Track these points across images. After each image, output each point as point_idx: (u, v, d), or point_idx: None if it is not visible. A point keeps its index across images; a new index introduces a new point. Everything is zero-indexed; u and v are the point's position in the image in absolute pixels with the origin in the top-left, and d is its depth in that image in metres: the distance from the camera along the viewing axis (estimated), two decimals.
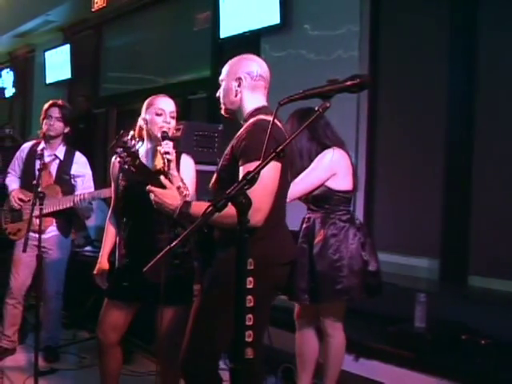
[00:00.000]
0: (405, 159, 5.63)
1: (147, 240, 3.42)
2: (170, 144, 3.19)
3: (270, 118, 2.84)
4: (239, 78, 2.94)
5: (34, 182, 4.32)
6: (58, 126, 4.86)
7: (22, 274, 4.85)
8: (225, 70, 3.04)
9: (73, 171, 4.89)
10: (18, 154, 5.03)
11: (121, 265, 3.55)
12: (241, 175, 2.65)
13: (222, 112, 3.08)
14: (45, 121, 4.87)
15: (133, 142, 3.33)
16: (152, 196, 2.84)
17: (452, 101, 5.27)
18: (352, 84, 2.05)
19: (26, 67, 13.12)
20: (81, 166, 4.95)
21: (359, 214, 5.73)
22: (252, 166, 2.60)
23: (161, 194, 2.82)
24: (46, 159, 4.79)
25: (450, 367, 3.98)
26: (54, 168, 4.87)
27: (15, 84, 13.23)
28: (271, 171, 2.65)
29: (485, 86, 5.10)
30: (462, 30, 5.26)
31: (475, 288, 5.02)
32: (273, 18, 6.49)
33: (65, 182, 4.85)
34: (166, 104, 3.47)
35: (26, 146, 5.04)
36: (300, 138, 3.68)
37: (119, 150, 3.10)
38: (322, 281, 3.67)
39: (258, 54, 6.62)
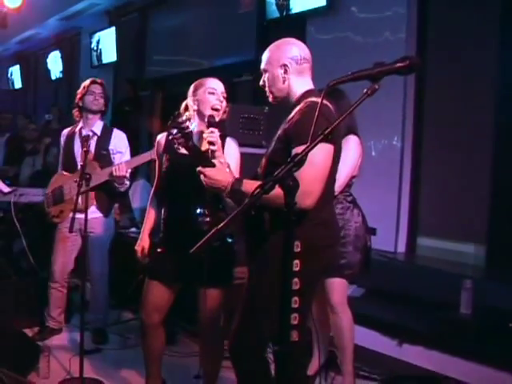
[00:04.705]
0: (452, 144, 5.55)
1: (188, 222, 3.43)
2: (216, 133, 3.13)
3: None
4: (284, 65, 2.89)
5: (80, 162, 4.34)
6: (100, 102, 4.87)
7: (63, 258, 4.88)
8: (266, 58, 2.97)
9: (111, 146, 4.84)
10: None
11: (161, 246, 3.57)
12: None
13: (270, 100, 3.02)
14: (86, 96, 4.84)
15: (187, 123, 3.34)
16: (202, 177, 2.83)
17: (502, 85, 5.16)
18: (401, 66, 2.03)
19: (72, 50, 13.26)
20: (120, 141, 4.90)
21: (405, 200, 5.69)
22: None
23: (212, 173, 2.81)
24: None
25: (496, 355, 3.94)
26: (92, 145, 4.75)
27: (63, 67, 13.36)
28: (324, 154, 2.64)
29: None
30: None
31: None
32: (319, 0, 6.41)
33: (103, 157, 4.77)
34: (217, 84, 3.51)
35: (64, 132, 5.04)
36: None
37: (174, 130, 3.09)
38: None
39: (304, 37, 6.60)
